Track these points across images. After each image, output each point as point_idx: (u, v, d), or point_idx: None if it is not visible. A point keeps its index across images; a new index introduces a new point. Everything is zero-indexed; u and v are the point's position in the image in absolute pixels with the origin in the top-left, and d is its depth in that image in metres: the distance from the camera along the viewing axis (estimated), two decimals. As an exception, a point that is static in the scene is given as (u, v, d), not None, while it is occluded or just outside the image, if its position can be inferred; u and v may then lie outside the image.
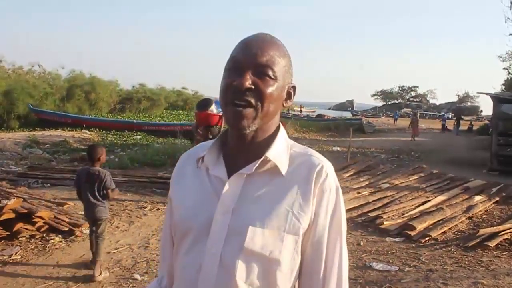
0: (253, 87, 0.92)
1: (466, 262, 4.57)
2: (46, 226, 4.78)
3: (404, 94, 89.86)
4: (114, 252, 4.51)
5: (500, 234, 5.22)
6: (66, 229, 4.88)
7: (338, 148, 16.01)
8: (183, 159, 1.10)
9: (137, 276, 3.94)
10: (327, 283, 0.96)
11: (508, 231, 5.32)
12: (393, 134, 25.74)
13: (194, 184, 1.01)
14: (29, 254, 4.36)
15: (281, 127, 1.03)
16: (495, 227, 5.52)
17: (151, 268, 4.14)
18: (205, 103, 4.37)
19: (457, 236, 5.50)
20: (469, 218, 6.26)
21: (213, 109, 4.23)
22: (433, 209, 6.32)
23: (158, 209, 6.26)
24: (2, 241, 4.49)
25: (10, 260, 4.18)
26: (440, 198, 7.09)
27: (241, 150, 0.99)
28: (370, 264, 4.42)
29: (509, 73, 29.21)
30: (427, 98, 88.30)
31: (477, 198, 7.14)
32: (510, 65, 29.06)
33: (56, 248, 4.53)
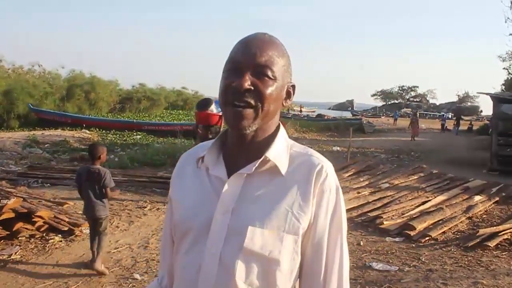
0: (253, 88, 0.92)
1: (466, 262, 4.57)
2: (46, 226, 4.78)
3: (404, 94, 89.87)
4: (114, 252, 4.50)
5: (500, 234, 5.22)
6: (66, 228, 4.87)
7: (338, 148, 16.00)
8: (183, 159, 1.10)
9: (137, 276, 3.94)
10: (328, 283, 0.96)
11: (508, 231, 5.32)
12: (393, 134, 25.73)
13: (194, 184, 1.01)
14: (29, 253, 4.36)
15: (281, 127, 1.03)
16: (495, 227, 5.52)
17: (151, 268, 4.14)
18: (205, 103, 4.38)
19: (457, 236, 5.50)
20: (469, 218, 6.26)
21: (213, 108, 4.24)
22: (433, 209, 6.32)
23: (158, 208, 6.26)
24: (2, 241, 4.49)
25: (10, 259, 4.18)
26: (440, 198, 7.09)
27: (241, 150, 0.98)
28: (370, 264, 4.42)
29: (509, 73, 29.22)
30: (427, 98, 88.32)
31: (477, 198, 7.14)
32: (510, 65, 29.09)
33: (56, 248, 4.52)
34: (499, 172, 11.02)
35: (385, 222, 5.78)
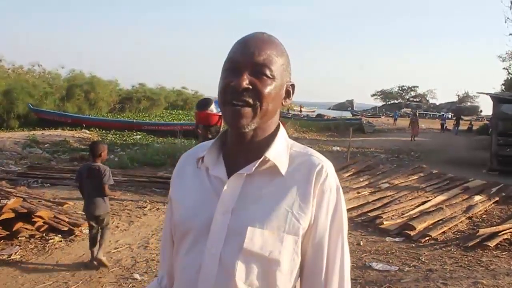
0: (251, 87, 0.92)
1: (466, 262, 4.57)
2: (46, 226, 4.78)
3: (404, 94, 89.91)
4: (113, 252, 4.50)
5: (499, 234, 5.22)
6: (65, 228, 4.87)
7: (338, 148, 16.00)
8: (183, 159, 1.10)
9: (137, 276, 3.94)
10: (329, 283, 0.96)
11: (508, 231, 5.32)
12: (393, 134, 25.74)
13: (194, 184, 1.01)
14: (29, 253, 4.35)
15: (281, 127, 1.03)
16: (494, 227, 5.52)
17: (151, 268, 4.14)
18: (204, 103, 4.37)
19: (457, 236, 5.50)
20: (469, 218, 6.26)
21: (213, 108, 4.23)
22: (433, 209, 6.32)
23: (158, 208, 6.26)
24: (2, 241, 4.48)
25: (10, 259, 4.18)
26: (440, 198, 7.09)
27: (241, 150, 0.98)
28: (370, 264, 4.42)
29: (509, 73, 29.25)
30: (427, 98, 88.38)
31: (477, 198, 7.14)
32: (510, 65, 29.12)
33: (56, 248, 4.52)
34: (499, 172, 11.02)
35: (385, 222, 5.78)
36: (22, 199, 4.76)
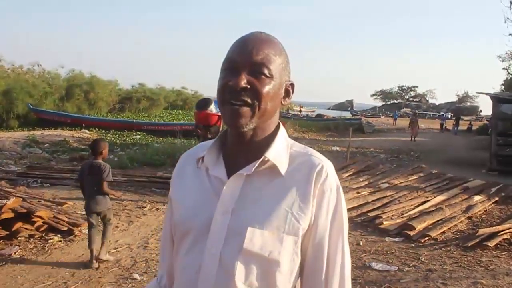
0: (249, 86, 0.92)
1: (466, 262, 4.57)
2: (45, 226, 4.78)
3: (403, 94, 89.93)
4: (113, 252, 4.50)
5: (499, 234, 5.22)
6: (65, 228, 4.87)
7: (338, 148, 16.00)
8: (183, 159, 1.10)
9: (136, 276, 3.93)
10: (329, 283, 0.95)
11: (508, 231, 5.32)
12: (393, 134, 25.74)
13: (194, 184, 1.01)
14: (28, 253, 4.35)
15: (281, 127, 1.02)
16: (494, 227, 5.52)
17: (150, 268, 4.14)
18: (204, 103, 4.37)
19: (457, 236, 5.50)
20: (469, 218, 6.26)
21: (212, 108, 4.23)
22: (433, 209, 6.32)
23: (158, 208, 6.25)
24: (1, 241, 4.48)
25: (9, 259, 4.18)
26: (440, 198, 7.10)
27: (241, 150, 0.98)
28: (370, 264, 4.42)
29: (509, 73, 29.26)
30: (427, 98, 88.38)
31: (477, 198, 7.14)
32: (509, 65, 29.12)
33: (55, 248, 4.52)
34: (498, 172, 11.02)
35: (384, 222, 5.78)
36: (21, 199, 4.76)
